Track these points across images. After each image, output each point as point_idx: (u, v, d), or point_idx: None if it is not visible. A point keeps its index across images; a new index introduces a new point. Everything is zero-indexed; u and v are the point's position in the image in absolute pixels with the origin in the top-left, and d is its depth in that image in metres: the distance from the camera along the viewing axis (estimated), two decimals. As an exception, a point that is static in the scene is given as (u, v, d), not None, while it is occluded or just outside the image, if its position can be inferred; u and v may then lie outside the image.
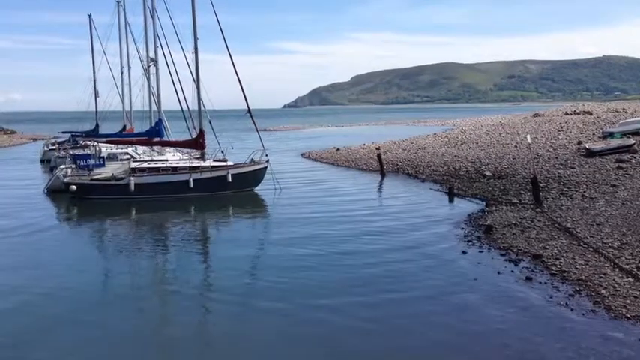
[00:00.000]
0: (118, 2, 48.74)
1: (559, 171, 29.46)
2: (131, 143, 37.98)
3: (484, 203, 25.06)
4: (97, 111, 56.12)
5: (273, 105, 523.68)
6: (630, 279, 13.81)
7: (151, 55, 36.64)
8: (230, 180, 30.19)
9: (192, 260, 18.98)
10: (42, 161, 50.76)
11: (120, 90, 51.53)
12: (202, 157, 31.85)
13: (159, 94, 36.63)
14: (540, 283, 14.49)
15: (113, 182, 29.75)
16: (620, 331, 11.47)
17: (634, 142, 32.86)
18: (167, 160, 32.57)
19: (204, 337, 12.65)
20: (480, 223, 21.31)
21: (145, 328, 13.03)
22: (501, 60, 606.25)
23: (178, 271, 17.74)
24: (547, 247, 17.06)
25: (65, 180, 30.18)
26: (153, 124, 37.29)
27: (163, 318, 13.85)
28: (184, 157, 33.87)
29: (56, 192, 31.02)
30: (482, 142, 46.67)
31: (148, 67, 38.00)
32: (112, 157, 36.18)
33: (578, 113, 63.92)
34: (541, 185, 25.18)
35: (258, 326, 12.76)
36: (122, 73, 50.69)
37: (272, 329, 12.53)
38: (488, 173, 31.59)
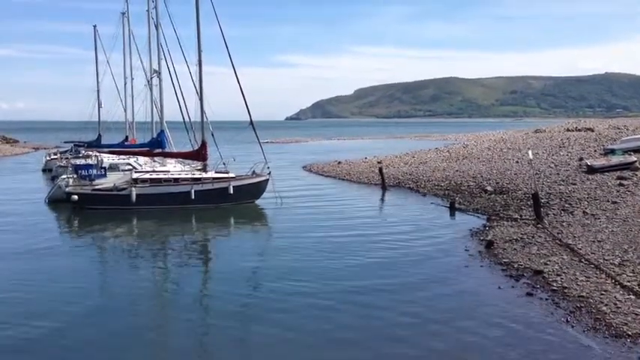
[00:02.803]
0: (123, 13, 49.05)
1: (560, 187, 29.44)
2: (133, 154, 38.04)
3: (485, 218, 25.03)
4: (99, 121, 56.32)
5: (275, 117, 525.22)
6: (632, 296, 13.75)
7: (155, 66, 36.82)
8: (232, 192, 30.17)
9: (192, 272, 19.00)
10: (44, 170, 50.80)
11: (123, 101, 51.76)
12: (204, 169, 31.88)
13: (162, 106, 36.76)
14: (541, 299, 14.43)
15: (115, 192, 29.73)
16: (621, 349, 11.40)
17: (635, 159, 32.82)
18: (169, 171, 32.59)
19: (203, 348, 12.59)
20: (481, 238, 21.29)
21: (145, 339, 12.96)
22: (503, 75, 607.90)
23: (178, 283, 17.72)
24: (548, 263, 17.01)
25: (66, 190, 30.19)
26: (155, 135, 37.37)
27: (163, 329, 13.78)
28: (186, 169, 33.90)
29: (57, 202, 31.02)
30: (483, 157, 46.70)
31: (151, 78, 38.17)
32: (113, 168, 36.17)
33: (579, 130, 64.03)
34: (542, 201, 25.16)
35: (258, 337, 12.71)
36: (125, 83, 50.96)
37: (272, 340, 12.46)
38: (489, 188, 31.59)
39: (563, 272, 16.00)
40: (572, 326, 12.59)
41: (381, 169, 38.59)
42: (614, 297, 13.80)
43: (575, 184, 29.62)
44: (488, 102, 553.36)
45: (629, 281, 14.71)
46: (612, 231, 19.85)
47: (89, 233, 25.28)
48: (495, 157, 45.74)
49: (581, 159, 37.87)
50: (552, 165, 37.13)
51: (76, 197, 29.17)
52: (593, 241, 18.73)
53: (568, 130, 65.55)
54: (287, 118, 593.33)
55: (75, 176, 32.05)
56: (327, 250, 20.48)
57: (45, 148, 78.17)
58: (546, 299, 14.37)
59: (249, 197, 31.20)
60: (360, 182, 40.33)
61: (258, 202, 31.51)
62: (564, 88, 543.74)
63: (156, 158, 36.77)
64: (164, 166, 35.44)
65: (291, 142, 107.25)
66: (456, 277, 16.97)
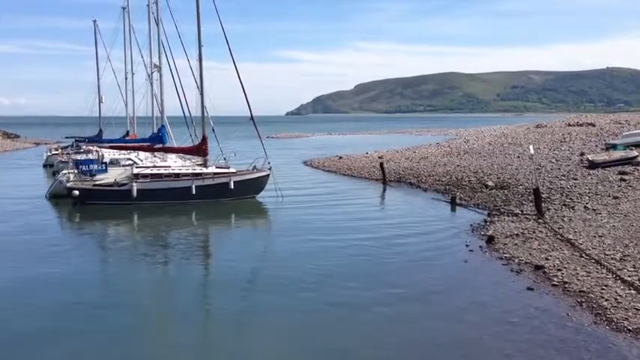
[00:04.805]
0: (124, 8, 48.91)
1: (561, 182, 29.42)
2: (134, 149, 38.02)
3: (486, 213, 25.03)
4: (100, 116, 56.32)
5: (276, 112, 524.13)
6: (632, 291, 13.75)
7: (155, 61, 36.79)
8: (232, 187, 30.18)
9: (192, 267, 18.99)
10: (45, 166, 50.86)
11: (124, 96, 51.68)
12: (205, 164, 31.88)
13: (162, 101, 36.75)
14: (541, 294, 14.44)
15: (115, 188, 29.76)
16: (621, 343, 11.40)
17: (637, 154, 32.81)
18: (169, 166, 32.59)
19: (204, 342, 12.61)
20: (482, 233, 21.29)
21: (145, 333, 12.98)
22: (504, 70, 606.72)
23: (179, 278, 17.74)
24: (549, 258, 17.01)
25: (67, 185, 30.19)
26: (156, 130, 37.36)
27: (163, 323, 13.78)
28: (187, 164, 33.90)
29: (58, 197, 31.00)
30: (484, 152, 46.66)
31: (152, 73, 38.15)
32: (114, 163, 36.19)
33: (581, 124, 63.94)
34: (543, 196, 25.14)
35: (259, 335, 12.73)
36: (126, 78, 50.87)
37: (272, 339, 12.48)
38: (490, 183, 31.56)
39: (564, 267, 16.01)
40: (573, 321, 12.59)
41: (382, 164, 38.56)
42: (615, 292, 13.81)
43: (576, 179, 29.61)
44: (489, 97, 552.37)
45: (629, 276, 14.71)
46: (613, 226, 19.84)
47: (90, 228, 25.31)
48: (496, 152, 45.71)
49: (582, 154, 37.85)
50: (553, 160, 37.11)
51: (76, 192, 29.17)
52: (594, 236, 18.72)
53: (569, 125, 65.45)
54: (287, 114, 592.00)
55: (76, 171, 32.06)
56: (327, 246, 20.48)
57: (46, 144, 78.18)
58: (547, 294, 14.37)
59: (249, 192, 31.20)
60: (361, 177, 40.30)
61: (258, 197, 31.50)
62: (565, 82, 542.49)
63: (156, 153, 36.78)
64: (165, 161, 35.47)
65: (292, 137, 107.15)
66: (456, 272, 16.99)
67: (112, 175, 31.44)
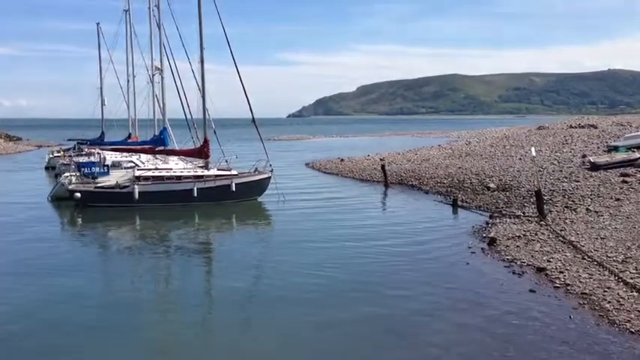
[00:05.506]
0: (125, 11, 49.02)
1: (563, 184, 29.38)
2: (136, 151, 38.08)
3: (488, 215, 25.00)
4: (102, 119, 56.46)
5: (278, 115, 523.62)
6: (635, 293, 13.72)
7: (157, 64, 36.84)
8: (234, 189, 30.20)
9: (194, 269, 19.04)
10: (46, 168, 50.96)
11: (126, 98, 51.78)
12: (206, 166, 31.90)
13: (164, 103, 36.79)
14: (544, 296, 14.42)
15: (117, 190, 29.80)
16: (624, 345, 11.38)
17: (639, 156, 32.73)
18: (171, 169, 32.63)
19: (205, 344, 12.60)
20: (484, 235, 21.27)
21: (147, 335, 12.97)
22: (506, 72, 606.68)
23: (181, 281, 17.77)
24: (551, 260, 16.98)
25: (69, 187, 30.23)
26: (157, 133, 37.40)
27: (165, 326, 13.76)
28: (188, 166, 33.95)
29: (60, 199, 31.06)
30: (486, 154, 46.57)
31: (153, 75, 38.22)
32: (116, 165, 36.28)
33: (583, 126, 63.71)
34: (545, 198, 25.11)
35: (260, 338, 12.72)
36: (128, 81, 50.95)
37: (273, 342, 12.47)
38: (492, 185, 31.54)
39: (566, 269, 15.98)
40: (575, 323, 12.57)
41: (383, 167, 38.55)
42: (617, 294, 13.78)
43: (578, 181, 29.54)
44: (491, 99, 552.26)
45: (632, 278, 14.68)
46: (615, 228, 19.80)
47: (92, 231, 25.33)
48: (498, 154, 45.61)
49: (584, 156, 37.74)
50: (555, 162, 37.03)
51: (78, 195, 29.23)
52: (597, 238, 18.69)
53: (571, 126, 65.21)
54: (289, 116, 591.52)
55: (78, 174, 32.13)
56: (329, 247, 20.49)
57: (48, 146, 78.35)
58: (549, 296, 14.35)
59: (251, 194, 31.21)
60: (363, 179, 40.30)
61: (260, 199, 31.52)
62: (567, 84, 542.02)
63: (158, 156, 36.82)
64: (166, 163, 35.51)
65: (294, 140, 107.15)
66: (458, 274, 16.96)
67: (114, 178, 31.51)
